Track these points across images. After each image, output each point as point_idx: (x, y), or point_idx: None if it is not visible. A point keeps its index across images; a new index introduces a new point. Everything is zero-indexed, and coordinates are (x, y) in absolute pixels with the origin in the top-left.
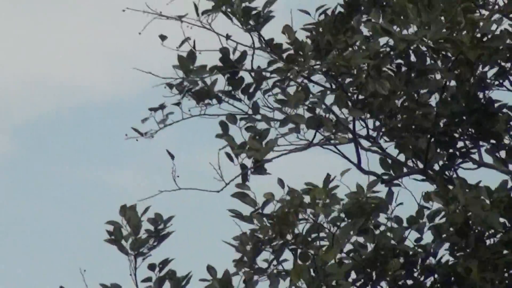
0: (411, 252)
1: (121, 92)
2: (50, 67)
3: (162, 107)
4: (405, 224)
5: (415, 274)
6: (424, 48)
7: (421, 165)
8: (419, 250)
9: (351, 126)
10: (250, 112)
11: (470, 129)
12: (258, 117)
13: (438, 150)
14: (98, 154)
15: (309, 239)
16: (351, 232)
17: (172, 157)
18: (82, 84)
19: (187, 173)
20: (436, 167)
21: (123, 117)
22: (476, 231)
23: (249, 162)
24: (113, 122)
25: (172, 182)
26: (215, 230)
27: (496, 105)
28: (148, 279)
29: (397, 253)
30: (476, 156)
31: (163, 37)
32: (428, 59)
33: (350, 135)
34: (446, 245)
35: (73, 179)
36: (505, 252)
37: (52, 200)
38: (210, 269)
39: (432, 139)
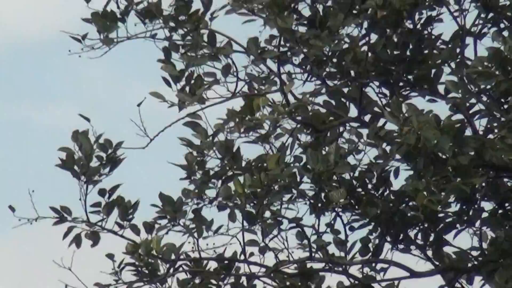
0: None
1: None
2: None
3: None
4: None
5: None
6: None
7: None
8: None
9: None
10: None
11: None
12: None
13: (379, 90)
14: (25, 92)
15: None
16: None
17: (88, 120)
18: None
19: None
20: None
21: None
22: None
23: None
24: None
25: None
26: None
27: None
28: (97, 205)
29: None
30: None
31: None
32: None
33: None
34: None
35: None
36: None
37: None
38: (162, 196)
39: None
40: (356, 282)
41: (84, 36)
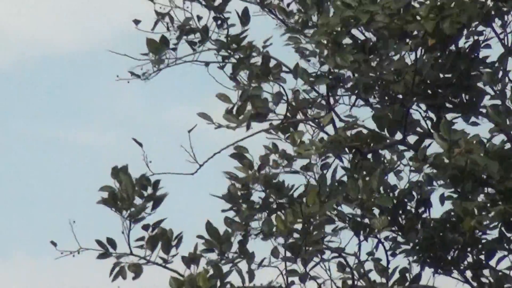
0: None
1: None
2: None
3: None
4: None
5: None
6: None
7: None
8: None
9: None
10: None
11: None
12: None
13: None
14: (59, 111)
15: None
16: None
17: (140, 145)
18: (42, 37)
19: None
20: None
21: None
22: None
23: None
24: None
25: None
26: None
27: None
28: (141, 239)
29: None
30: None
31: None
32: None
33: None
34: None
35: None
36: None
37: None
38: (209, 226)
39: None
40: None
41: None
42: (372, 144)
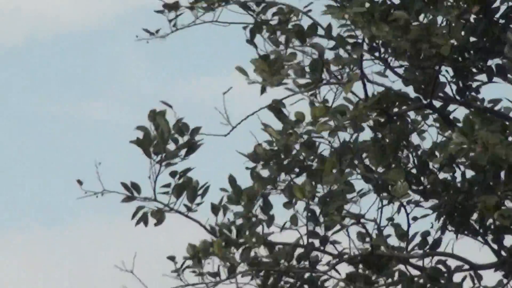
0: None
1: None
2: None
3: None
4: None
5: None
6: None
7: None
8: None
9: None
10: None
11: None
12: None
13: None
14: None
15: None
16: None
17: (170, 106)
18: (50, 15)
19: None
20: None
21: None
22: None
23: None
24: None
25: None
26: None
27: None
28: (167, 185)
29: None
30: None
31: None
32: None
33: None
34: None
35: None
36: None
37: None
38: (231, 180)
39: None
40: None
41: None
42: (398, 106)
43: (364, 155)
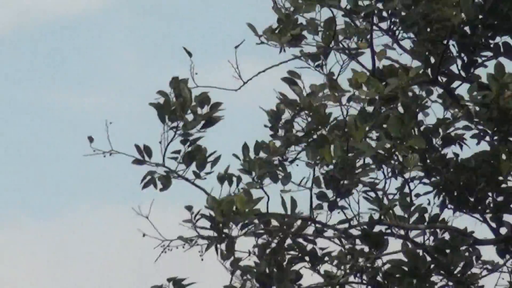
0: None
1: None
2: None
3: None
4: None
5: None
6: None
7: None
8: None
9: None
10: None
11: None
12: None
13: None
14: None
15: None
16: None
17: (190, 54)
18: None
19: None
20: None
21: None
22: None
23: None
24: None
25: None
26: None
27: None
28: (177, 152)
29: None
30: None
31: None
32: None
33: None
34: None
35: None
36: None
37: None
38: (245, 148)
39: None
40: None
41: None
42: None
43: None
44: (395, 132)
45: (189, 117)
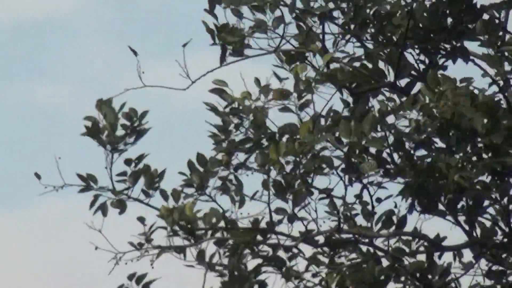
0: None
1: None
2: None
3: None
4: None
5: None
6: None
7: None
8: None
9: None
10: None
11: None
12: None
13: (418, 58)
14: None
15: None
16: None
17: (135, 53)
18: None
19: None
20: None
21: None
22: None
23: None
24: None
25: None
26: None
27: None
28: (123, 174)
29: None
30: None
31: None
32: None
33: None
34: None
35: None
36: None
37: None
38: (191, 164)
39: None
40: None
41: None
42: (362, 85)
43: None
44: (346, 135)
45: (119, 133)
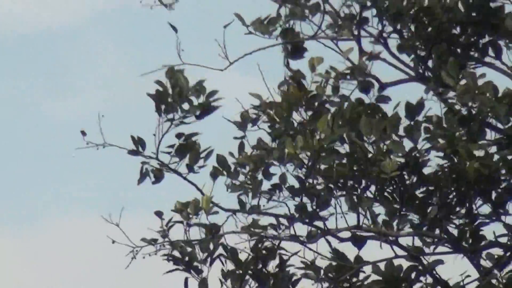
0: None
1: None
2: None
3: None
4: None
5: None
6: None
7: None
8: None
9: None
10: None
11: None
12: None
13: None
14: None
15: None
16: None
17: (176, 30)
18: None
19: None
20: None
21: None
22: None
23: None
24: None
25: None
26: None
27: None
28: (171, 146)
29: None
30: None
31: None
32: None
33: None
34: None
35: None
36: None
37: None
38: (219, 158)
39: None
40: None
41: None
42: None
43: None
44: (366, 132)
45: (185, 106)
